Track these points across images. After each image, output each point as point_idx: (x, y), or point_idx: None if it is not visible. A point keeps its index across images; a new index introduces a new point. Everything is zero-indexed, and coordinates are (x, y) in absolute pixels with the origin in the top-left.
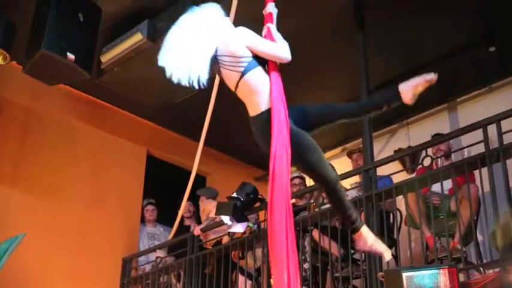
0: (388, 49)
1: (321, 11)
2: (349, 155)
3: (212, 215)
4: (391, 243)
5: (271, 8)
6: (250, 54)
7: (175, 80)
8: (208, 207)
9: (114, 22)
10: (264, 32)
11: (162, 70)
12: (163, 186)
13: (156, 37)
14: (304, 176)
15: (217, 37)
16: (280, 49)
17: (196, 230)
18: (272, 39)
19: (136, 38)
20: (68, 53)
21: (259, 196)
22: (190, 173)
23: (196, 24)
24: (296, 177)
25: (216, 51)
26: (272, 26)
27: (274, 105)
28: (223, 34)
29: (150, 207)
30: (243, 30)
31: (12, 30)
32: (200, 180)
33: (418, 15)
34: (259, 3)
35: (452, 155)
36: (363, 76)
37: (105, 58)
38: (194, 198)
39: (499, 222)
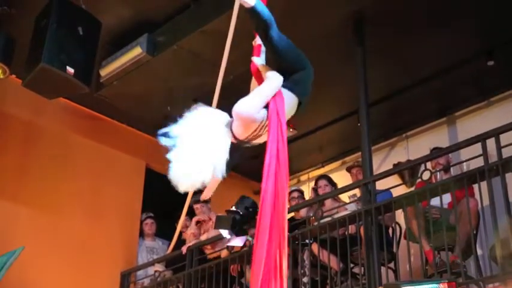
0: (387, 63)
1: (321, 25)
2: (349, 169)
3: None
4: (391, 257)
5: (259, 41)
6: (262, 114)
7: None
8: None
9: (114, 36)
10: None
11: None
12: (162, 200)
13: (156, 51)
14: (302, 189)
15: (226, 139)
16: (271, 87)
17: (183, 249)
18: (258, 75)
19: (136, 51)
20: (68, 67)
21: (258, 210)
22: None
23: (202, 137)
24: (294, 190)
25: (235, 140)
26: (257, 59)
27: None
28: (231, 131)
29: (149, 220)
30: (240, 114)
31: (12, 44)
32: (199, 194)
33: (416, 29)
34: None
35: (452, 168)
36: (362, 90)
37: (104, 72)
38: (193, 213)
39: (499, 236)
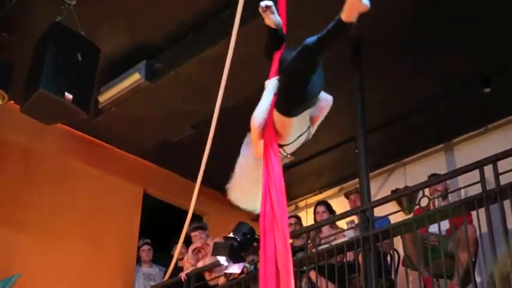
0: (385, 90)
1: None
2: (347, 195)
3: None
4: (389, 285)
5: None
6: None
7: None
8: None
9: (113, 62)
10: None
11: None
12: (160, 226)
13: (154, 77)
14: (300, 215)
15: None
16: (264, 96)
17: (182, 275)
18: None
19: (135, 78)
20: (66, 93)
21: (256, 236)
22: (187, 212)
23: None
24: (291, 216)
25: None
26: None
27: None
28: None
29: (146, 247)
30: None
31: (11, 70)
32: (197, 220)
33: (414, 56)
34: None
35: (449, 195)
36: (359, 116)
37: (103, 98)
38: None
39: (497, 263)
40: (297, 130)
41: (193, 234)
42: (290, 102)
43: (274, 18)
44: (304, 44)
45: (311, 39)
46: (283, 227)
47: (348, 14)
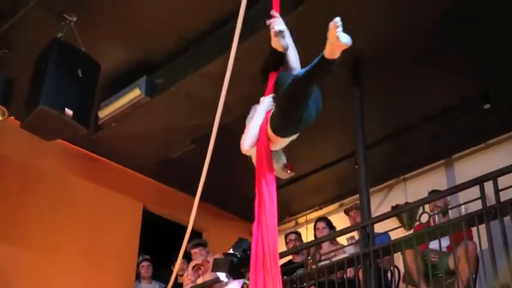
0: (384, 105)
1: None
2: (346, 212)
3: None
4: None
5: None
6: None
7: None
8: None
9: (113, 77)
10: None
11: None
12: (159, 242)
13: (154, 93)
14: (300, 231)
15: None
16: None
17: None
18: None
19: (135, 93)
20: (66, 109)
21: None
22: (186, 228)
23: None
24: (291, 233)
25: None
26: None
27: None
28: None
29: (145, 263)
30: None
31: (11, 86)
32: (196, 236)
33: (414, 72)
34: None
35: (450, 211)
36: (359, 132)
37: (103, 113)
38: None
39: (498, 280)
40: (288, 140)
41: (193, 251)
42: (284, 127)
43: (283, 42)
44: (294, 77)
45: (300, 72)
46: (275, 268)
47: (330, 52)
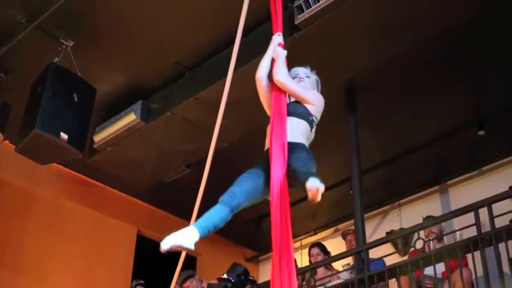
0: (379, 131)
1: None
2: (344, 235)
3: None
4: None
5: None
6: None
7: None
8: None
9: (109, 102)
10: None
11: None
12: (153, 267)
13: (149, 117)
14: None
15: None
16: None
17: None
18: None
19: (130, 118)
20: (62, 133)
21: (250, 277)
22: (180, 253)
23: None
24: None
25: None
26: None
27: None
28: None
29: None
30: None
31: (7, 110)
32: (191, 261)
33: (408, 98)
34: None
35: (445, 237)
36: (354, 157)
37: (98, 138)
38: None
39: None
40: None
41: (184, 286)
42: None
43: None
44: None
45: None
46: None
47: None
